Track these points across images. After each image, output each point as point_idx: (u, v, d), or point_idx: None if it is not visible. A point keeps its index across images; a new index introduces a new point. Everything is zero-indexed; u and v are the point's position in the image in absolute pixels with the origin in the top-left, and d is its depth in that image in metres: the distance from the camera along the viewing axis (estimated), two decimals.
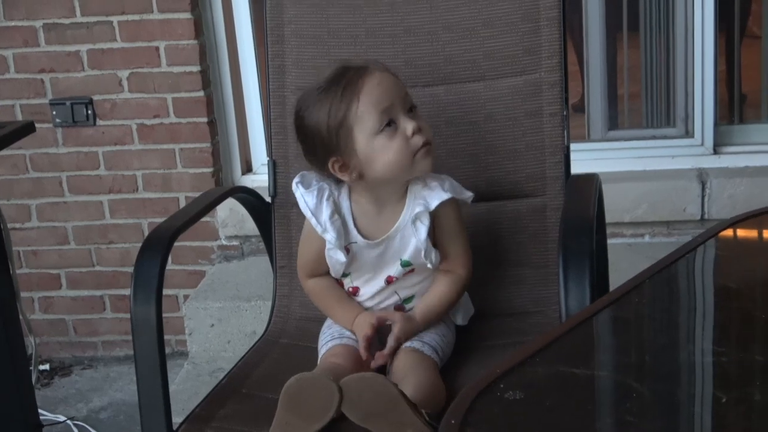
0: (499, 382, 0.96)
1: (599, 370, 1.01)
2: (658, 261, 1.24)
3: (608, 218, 2.01)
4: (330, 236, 1.72)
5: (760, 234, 1.38)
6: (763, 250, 1.36)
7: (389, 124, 1.65)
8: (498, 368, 0.97)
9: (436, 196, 1.69)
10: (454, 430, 0.89)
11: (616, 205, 2.87)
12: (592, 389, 0.99)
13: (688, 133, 3.06)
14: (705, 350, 1.03)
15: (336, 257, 1.74)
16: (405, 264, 1.75)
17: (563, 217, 1.68)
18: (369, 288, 1.78)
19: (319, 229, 1.73)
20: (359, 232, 1.75)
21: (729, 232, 1.35)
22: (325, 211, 1.73)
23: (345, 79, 1.67)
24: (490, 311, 1.92)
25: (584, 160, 2.95)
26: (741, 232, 1.36)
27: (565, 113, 1.92)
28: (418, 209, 1.70)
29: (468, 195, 1.76)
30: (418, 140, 1.66)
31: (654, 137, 3.11)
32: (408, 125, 1.65)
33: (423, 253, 1.71)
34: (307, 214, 1.74)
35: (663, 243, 2.94)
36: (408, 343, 1.71)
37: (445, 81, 1.94)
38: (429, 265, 1.73)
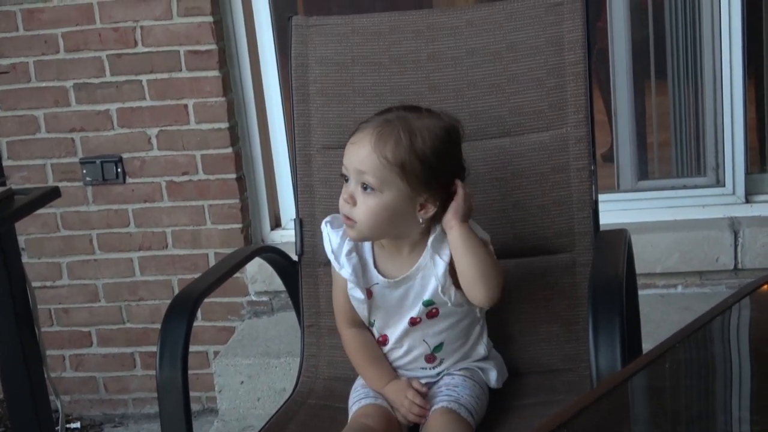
0: None
1: None
2: (691, 322, 1.17)
3: (639, 269, 1.98)
4: (346, 272, 1.72)
5: None
6: None
7: (346, 180, 1.68)
8: None
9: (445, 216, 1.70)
10: None
11: (647, 256, 2.85)
12: None
13: (719, 182, 3.03)
14: (742, 419, 1.00)
15: (355, 295, 1.74)
16: (427, 303, 1.72)
17: (592, 275, 1.65)
18: (394, 331, 1.75)
19: (336, 267, 1.74)
20: (379, 272, 1.75)
21: (765, 289, 1.31)
22: (344, 249, 1.73)
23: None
24: (521, 368, 1.89)
25: (614, 210, 2.94)
26: None
27: (592, 168, 1.90)
28: (436, 244, 1.68)
29: (483, 237, 1.71)
30: (341, 207, 1.68)
31: (684, 186, 3.07)
32: (343, 191, 1.68)
33: (441, 288, 1.68)
34: (328, 251, 1.75)
35: (696, 293, 2.90)
36: (444, 403, 1.67)
37: (471, 137, 1.88)
38: (449, 303, 1.70)
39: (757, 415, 1.01)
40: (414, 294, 1.74)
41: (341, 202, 1.67)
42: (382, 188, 1.63)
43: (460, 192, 1.66)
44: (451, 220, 1.67)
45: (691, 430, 1.00)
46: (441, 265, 1.69)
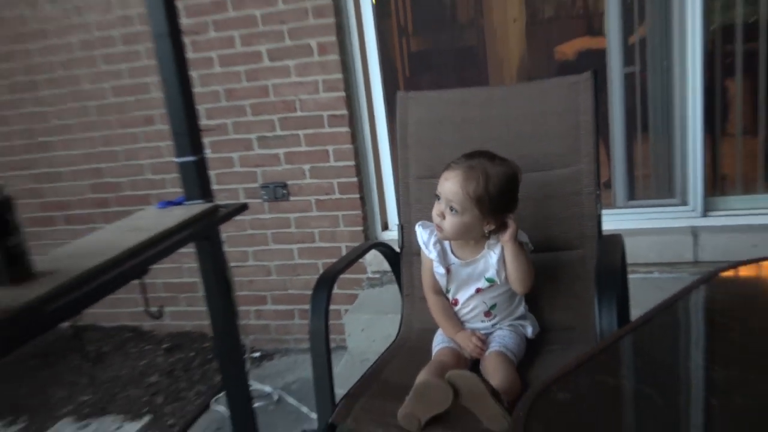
0: (553, 387, 0.92)
1: (624, 380, 0.96)
2: (664, 300, 1.16)
3: (629, 260, 1.92)
4: (432, 255, 1.73)
5: (738, 280, 1.29)
6: (740, 292, 1.27)
7: (438, 198, 1.66)
8: (552, 377, 0.93)
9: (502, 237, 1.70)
10: (521, 420, 0.86)
11: (634, 251, 2.76)
12: (618, 393, 0.94)
13: (684, 202, 2.94)
14: (699, 366, 0.96)
15: (438, 271, 1.74)
16: (489, 280, 1.71)
17: (597, 264, 1.61)
18: (463, 295, 1.74)
19: (426, 252, 1.74)
20: (455, 256, 1.73)
21: (715, 279, 1.27)
22: (431, 240, 1.73)
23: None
24: (548, 326, 1.86)
25: (612, 221, 2.85)
26: (723, 278, 1.28)
27: (597, 192, 1.85)
28: (491, 244, 1.69)
29: (525, 240, 1.72)
30: (434, 217, 1.67)
31: (660, 205, 2.99)
32: (434, 207, 1.67)
33: (494, 271, 1.69)
34: (420, 242, 1.76)
35: (667, 278, 2.81)
36: (497, 347, 1.67)
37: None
38: (499, 282, 1.69)
39: (711, 362, 0.99)
40: (478, 272, 1.73)
41: (434, 215, 1.67)
42: (463, 212, 1.63)
43: (512, 225, 1.66)
44: (507, 242, 1.67)
45: (665, 372, 0.98)
46: (494, 257, 1.70)
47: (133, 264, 1.31)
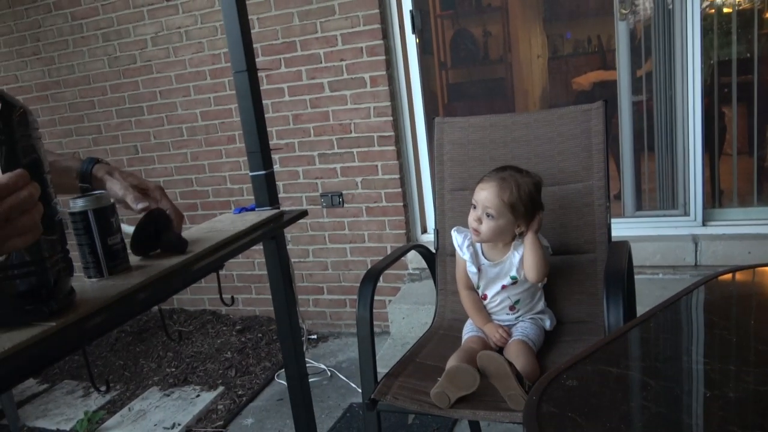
0: (563, 374, 0.89)
1: (627, 370, 0.91)
2: (667, 299, 1.11)
3: (636, 263, 1.87)
4: (465, 256, 1.70)
5: (734, 283, 1.23)
6: (735, 294, 1.21)
7: (474, 207, 1.64)
8: (563, 366, 0.89)
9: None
10: (534, 403, 0.83)
11: (641, 255, 2.72)
12: (622, 382, 0.89)
13: (686, 213, 2.85)
14: (697, 360, 0.91)
15: (470, 270, 1.71)
16: (513, 278, 1.68)
17: (607, 267, 1.57)
18: (491, 291, 1.71)
19: (460, 253, 1.71)
20: (485, 257, 1.71)
21: (713, 282, 1.22)
22: (464, 243, 1.71)
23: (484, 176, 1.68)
24: (564, 319, 1.81)
25: (622, 229, 2.81)
26: (721, 282, 1.22)
27: (607, 204, 1.80)
28: (517, 245, 1.66)
29: (546, 244, 1.69)
30: (471, 223, 1.64)
31: (665, 215, 2.90)
32: (471, 214, 1.64)
33: (516, 269, 1.66)
34: (456, 245, 1.73)
35: (670, 279, 2.73)
36: (519, 337, 1.64)
37: None
38: (519, 277, 1.66)
39: (707, 358, 0.94)
40: (504, 271, 1.69)
41: (471, 221, 1.64)
42: (498, 218, 1.61)
43: (537, 221, 1.63)
44: (529, 233, 1.64)
45: (665, 365, 0.93)
46: (517, 257, 1.66)
47: (211, 260, 1.32)
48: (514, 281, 1.68)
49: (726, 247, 2.70)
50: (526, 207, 1.61)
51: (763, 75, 2.78)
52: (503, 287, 1.69)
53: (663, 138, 2.92)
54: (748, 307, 1.10)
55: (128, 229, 1.31)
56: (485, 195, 1.61)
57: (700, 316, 1.10)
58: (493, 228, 1.62)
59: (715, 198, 2.95)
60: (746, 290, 1.20)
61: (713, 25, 2.80)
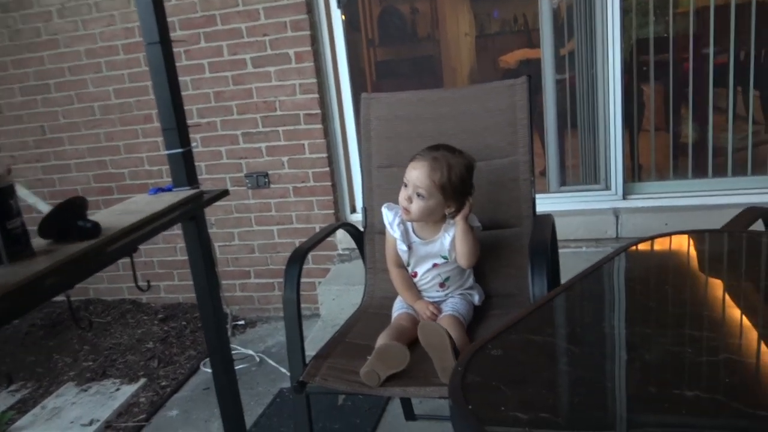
0: (488, 344, 0.90)
1: (551, 338, 0.94)
2: (589, 267, 1.17)
3: (560, 237, 1.91)
4: (396, 234, 1.69)
5: (651, 251, 1.28)
6: (652, 261, 1.27)
7: (405, 185, 1.63)
8: (487, 337, 0.90)
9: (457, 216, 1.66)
10: (460, 373, 0.84)
11: (565, 229, 2.78)
12: (546, 350, 0.92)
13: (608, 187, 2.93)
14: (616, 326, 0.94)
15: (401, 248, 1.71)
16: (444, 257, 1.69)
17: (531, 239, 1.62)
18: (421, 269, 1.71)
19: (390, 231, 1.71)
20: (416, 235, 1.70)
21: (632, 249, 1.26)
22: (395, 221, 1.70)
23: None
24: (492, 293, 1.83)
25: (547, 204, 2.84)
26: (639, 249, 1.27)
27: (532, 179, 1.83)
28: (447, 227, 1.67)
29: (477, 224, 1.71)
30: (401, 202, 1.63)
31: (587, 190, 2.98)
32: (402, 193, 1.63)
33: (447, 251, 1.67)
34: (386, 222, 1.72)
35: (593, 251, 2.80)
36: (449, 312, 1.65)
37: None
38: (450, 258, 1.67)
39: (627, 323, 0.97)
40: (435, 250, 1.70)
41: (402, 200, 1.63)
42: (429, 198, 1.60)
43: (466, 207, 1.64)
44: (459, 220, 1.64)
45: (587, 332, 0.96)
46: (448, 239, 1.67)
47: (124, 243, 1.26)
48: (445, 260, 1.70)
49: (645, 219, 2.79)
50: (456, 189, 1.61)
51: (679, 53, 2.90)
52: (434, 266, 1.70)
53: (585, 115, 2.99)
54: (665, 273, 1.15)
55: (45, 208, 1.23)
56: (416, 175, 1.60)
57: (621, 284, 1.14)
58: (423, 208, 1.62)
59: (634, 172, 3.04)
60: (662, 258, 1.25)
61: (632, 5, 2.89)
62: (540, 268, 1.41)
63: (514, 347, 0.91)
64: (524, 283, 1.79)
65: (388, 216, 1.73)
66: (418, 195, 1.60)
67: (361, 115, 1.99)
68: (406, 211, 1.63)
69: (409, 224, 1.72)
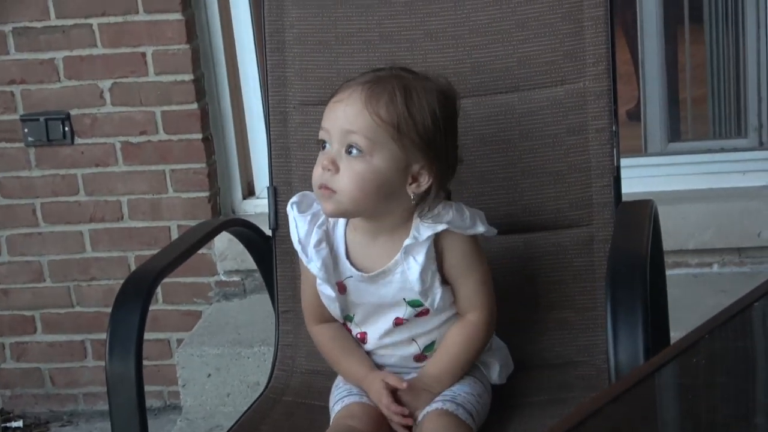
0: None
1: None
2: (727, 307, 1.01)
3: (669, 245, 1.75)
4: (314, 266, 1.56)
5: None
6: None
7: (323, 147, 1.51)
8: None
9: (430, 227, 1.52)
10: None
11: (678, 230, 2.53)
12: None
13: (762, 145, 2.70)
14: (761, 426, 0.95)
15: (325, 292, 1.57)
16: (414, 303, 1.56)
17: (611, 254, 1.49)
18: (375, 330, 1.60)
19: (304, 259, 1.56)
20: (352, 264, 1.57)
21: None
22: (313, 239, 1.57)
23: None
24: (529, 362, 1.67)
25: (640, 177, 2.55)
26: None
27: (614, 128, 1.67)
28: (408, 242, 1.52)
29: (480, 230, 1.56)
30: (316, 177, 1.51)
31: (722, 149, 2.73)
32: (320, 157, 1.51)
33: (420, 293, 1.54)
34: (295, 241, 1.58)
35: (734, 273, 2.57)
36: (439, 404, 1.52)
37: (473, 93, 1.72)
38: (427, 302, 1.58)
39: None
40: (394, 291, 1.57)
41: (317, 171, 1.47)
42: (373, 151, 1.50)
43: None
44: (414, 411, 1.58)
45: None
46: (415, 267, 1.53)
47: None
48: (418, 308, 1.56)
49: None
50: (424, 129, 1.50)
51: None
52: (397, 322, 1.60)
53: (719, 8, 2.81)
54: None
55: None
56: (341, 110, 1.52)
57: None
58: (362, 175, 1.48)
59: None
60: None
61: None
62: (631, 310, 1.35)
63: None
64: (596, 339, 1.69)
65: (300, 226, 1.57)
66: (351, 150, 1.50)
67: (264, 7, 1.80)
68: (327, 189, 1.48)
69: (338, 241, 1.57)
